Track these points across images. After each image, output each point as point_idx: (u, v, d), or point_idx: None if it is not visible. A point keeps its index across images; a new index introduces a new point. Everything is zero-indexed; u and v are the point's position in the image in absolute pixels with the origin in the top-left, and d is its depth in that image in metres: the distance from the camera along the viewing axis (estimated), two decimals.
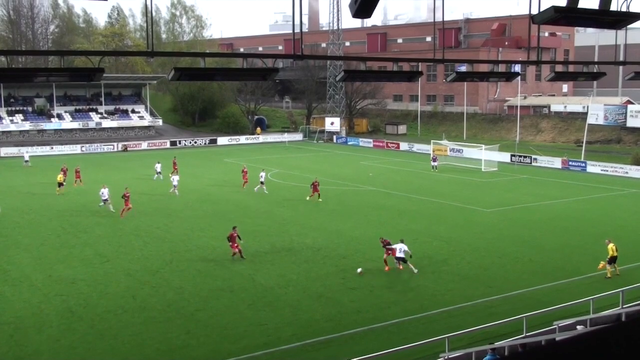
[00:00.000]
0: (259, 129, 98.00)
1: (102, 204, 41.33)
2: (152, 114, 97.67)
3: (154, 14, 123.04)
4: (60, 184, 47.90)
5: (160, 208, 42.36)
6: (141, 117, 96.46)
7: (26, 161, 64.60)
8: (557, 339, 18.14)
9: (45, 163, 64.73)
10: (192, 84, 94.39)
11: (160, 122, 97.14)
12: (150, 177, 55.28)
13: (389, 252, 28.65)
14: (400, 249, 28.35)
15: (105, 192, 41.23)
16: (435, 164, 62.16)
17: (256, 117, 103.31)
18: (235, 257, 30.06)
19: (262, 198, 46.65)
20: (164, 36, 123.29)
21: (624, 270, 28.30)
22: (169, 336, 21.61)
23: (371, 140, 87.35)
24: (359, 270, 28.17)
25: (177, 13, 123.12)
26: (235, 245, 30.11)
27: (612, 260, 27.68)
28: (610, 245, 27.75)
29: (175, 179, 48.20)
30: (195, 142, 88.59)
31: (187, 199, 46.31)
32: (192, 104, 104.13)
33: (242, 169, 51.81)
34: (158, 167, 55.38)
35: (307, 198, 45.17)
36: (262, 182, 48.57)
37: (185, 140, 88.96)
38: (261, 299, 25.27)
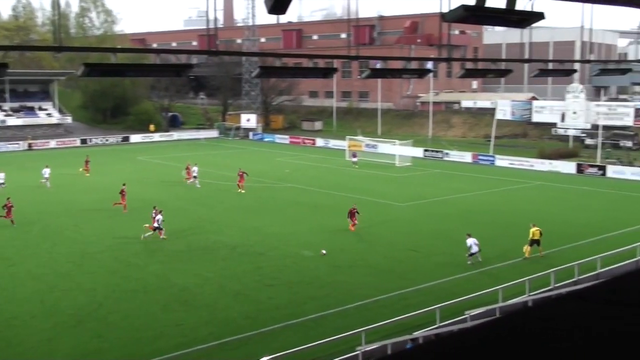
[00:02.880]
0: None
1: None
2: (60, 112, 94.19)
3: (63, 7, 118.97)
4: None
5: (67, 208, 40.80)
6: (49, 115, 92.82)
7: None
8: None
9: None
10: (103, 80, 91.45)
11: (69, 119, 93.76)
12: (63, 175, 53.18)
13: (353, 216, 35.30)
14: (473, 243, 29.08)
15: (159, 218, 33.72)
16: (355, 159, 62.63)
17: (170, 114, 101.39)
18: None
19: (176, 196, 45.83)
20: (72, 30, 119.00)
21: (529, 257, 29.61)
22: (80, 341, 20.90)
23: (287, 136, 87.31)
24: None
25: (87, 6, 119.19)
26: None
27: (534, 243, 29.91)
28: (533, 229, 30.01)
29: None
30: (107, 140, 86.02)
31: (98, 197, 44.89)
32: (104, 101, 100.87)
33: (187, 167, 52.86)
34: (46, 172, 49.94)
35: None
36: (195, 177, 50.17)
37: (97, 138, 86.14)
38: (177, 299, 24.83)
